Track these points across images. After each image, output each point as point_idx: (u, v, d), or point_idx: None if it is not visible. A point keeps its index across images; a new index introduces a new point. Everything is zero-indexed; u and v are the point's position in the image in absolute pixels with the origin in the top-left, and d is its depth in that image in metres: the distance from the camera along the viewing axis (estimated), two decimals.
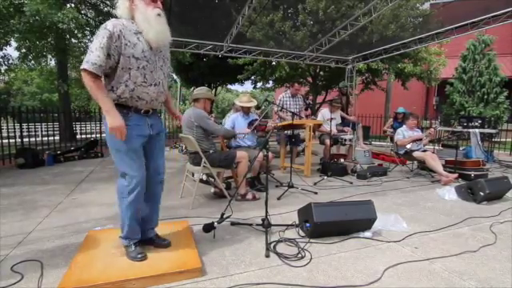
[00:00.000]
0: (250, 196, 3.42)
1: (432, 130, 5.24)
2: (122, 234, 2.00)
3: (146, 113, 1.90)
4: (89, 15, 10.17)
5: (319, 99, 12.87)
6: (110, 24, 1.68)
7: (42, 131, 11.21)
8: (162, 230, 2.24)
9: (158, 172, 2.06)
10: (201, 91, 3.34)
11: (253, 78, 13.64)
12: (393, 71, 11.14)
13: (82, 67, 1.67)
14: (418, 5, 8.37)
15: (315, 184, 4.21)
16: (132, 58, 1.73)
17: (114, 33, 1.67)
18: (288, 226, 2.57)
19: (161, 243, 2.10)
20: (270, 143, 3.26)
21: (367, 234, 2.44)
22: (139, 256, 1.92)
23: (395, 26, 7.13)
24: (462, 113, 12.18)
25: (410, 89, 12.18)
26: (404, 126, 5.05)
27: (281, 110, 5.24)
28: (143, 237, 2.10)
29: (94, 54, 1.64)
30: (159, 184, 2.10)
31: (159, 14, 1.77)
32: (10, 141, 6.42)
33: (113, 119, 1.69)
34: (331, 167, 4.78)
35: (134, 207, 1.91)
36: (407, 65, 10.59)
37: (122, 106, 1.79)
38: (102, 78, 1.76)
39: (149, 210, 2.08)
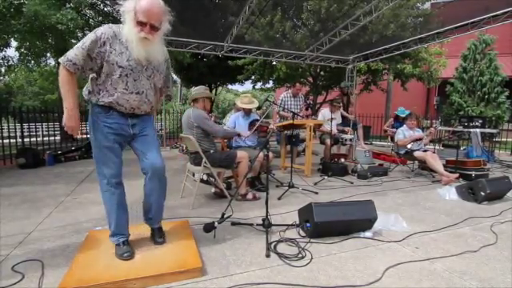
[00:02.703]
0: (250, 196, 3.42)
1: (432, 129, 5.23)
2: (110, 232, 2.00)
3: (129, 114, 1.93)
4: (88, 15, 10.17)
5: (320, 99, 12.87)
6: (100, 29, 1.76)
7: (42, 131, 11.21)
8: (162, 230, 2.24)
9: (154, 164, 1.97)
10: (198, 91, 3.32)
11: (253, 78, 13.64)
12: (392, 72, 11.13)
13: (59, 61, 1.75)
14: (418, 4, 8.37)
15: (316, 184, 4.20)
16: (115, 66, 1.78)
17: (100, 38, 1.73)
18: (288, 225, 2.57)
19: (155, 240, 2.13)
20: (270, 143, 3.25)
21: (368, 233, 2.43)
22: (125, 255, 1.90)
23: (395, 26, 7.12)
24: (462, 113, 12.16)
25: (410, 89, 12.16)
26: (404, 125, 5.04)
27: (282, 110, 5.24)
28: (149, 225, 2.18)
29: (72, 52, 1.72)
30: (157, 176, 2.01)
31: (146, 38, 1.75)
32: (11, 141, 6.43)
33: (69, 118, 1.76)
34: (332, 167, 4.78)
35: (116, 202, 1.93)
36: (407, 66, 10.57)
37: (103, 107, 1.85)
38: (89, 82, 1.86)
39: (150, 205, 2.10)
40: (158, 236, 2.16)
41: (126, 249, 1.95)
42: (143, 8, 1.70)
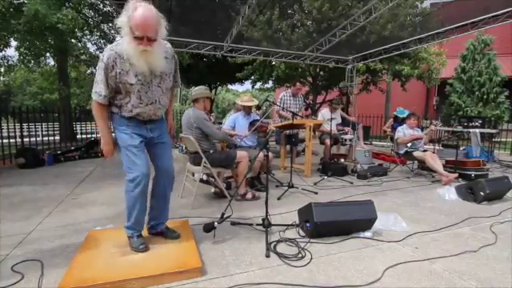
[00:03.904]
0: (250, 196, 3.42)
1: (433, 126, 5.24)
2: (126, 223, 2.07)
3: (146, 121, 2.04)
4: (88, 15, 10.17)
5: (319, 99, 12.87)
6: (105, 56, 1.82)
7: (42, 131, 11.20)
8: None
9: (167, 172, 2.16)
10: (199, 91, 3.32)
11: (252, 77, 13.63)
12: (391, 72, 11.12)
13: (92, 96, 1.91)
14: (417, 3, 8.37)
15: (315, 184, 4.20)
16: (127, 84, 1.87)
17: (108, 64, 1.82)
18: (288, 225, 2.57)
19: (171, 235, 2.20)
20: (269, 143, 3.24)
21: (367, 234, 2.44)
22: (141, 247, 2.02)
23: (394, 26, 7.12)
24: (460, 113, 12.17)
25: (410, 89, 12.16)
26: (405, 124, 5.04)
27: (282, 110, 5.23)
28: (154, 231, 2.23)
29: (99, 86, 1.86)
30: (169, 183, 2.20)
31: (145, 50, 1.77)
32: (11, 141, 6.42)
33: (105, 143, 1.97)
34: (331, 167, 4.78)
35: (141, 200, 2.01)
36: (405, 67, 10.51)
37: (124, 117, 1.98)
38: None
39: (159, 207, 2.20)
40: (171, 232, 2.23)
41: (141, 241, 2.05)
42: (138, 22, 1.70)
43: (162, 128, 2.15)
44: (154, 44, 1.80)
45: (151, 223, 2.23)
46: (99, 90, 1.85)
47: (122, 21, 1.75)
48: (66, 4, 8.20)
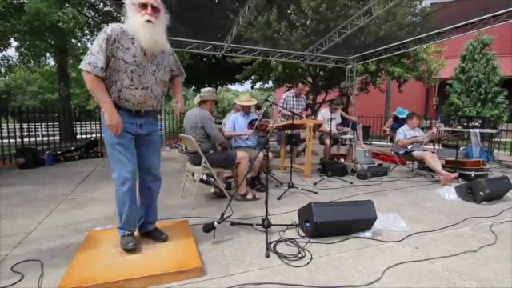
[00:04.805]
0: (250, 196, 3.42)
1: (435, 129, 5.24)
2: (119, 223, 2.07)
3: (137, 113, 1.98)
4: (88, 15, 10.17)
5: (319, 99, 12.88)
6: (109, 28, 1.82)
7: (42, 131, 11.20)
8: (162, 229, 2.26)
9: (151, 171, 2.13)
10: (209, 93, 3.34)
11: (252, 77, 13.63)
12: (387, 74, 11.10)
13: (82, 68, 1.78)
14: (416, 2, 8.37)
15: (315, 184, 4.20)
16: (121, 61, 1.84)
17: (111, 36, 1.80)
18: (288, 225, 2.57)
19: (159, 237, 2.18)
20: (269, 143, 3.24)
21: (367, 233, 2.44)
22: (130, 245, 1.99)
23: (392, 25, 7.10)
24: (459, 113, 12.16)
25: (409, 89, 12.18)
26: (405, 125, 5.03)
27: (284, 110, 5.22)
28: (143, 230, 2.22)
29: (95, 57, 1.78)
30: (153, 182, 2.17)
31: (149, 21, 1.82)
32: (10, 141, 6.42)
33: (110, 117, 1.83)
34: (331, 167, 4.78)
35: (129, 199, 1.98)
36: (398, 68, 10.44)
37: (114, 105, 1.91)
38: None
39: (145, 208, 2.18)
40: (159, 234, 2.20)
41: (131, 239, 2.03)
42: None
43: (153, 125, 2.10)
44: (157, 16, 1.86)
45: (140, 222, 2.21)
46: (95, 60, 1.76)
47: (127, 4, 1.85)
48: (67, 3, 8.21)
